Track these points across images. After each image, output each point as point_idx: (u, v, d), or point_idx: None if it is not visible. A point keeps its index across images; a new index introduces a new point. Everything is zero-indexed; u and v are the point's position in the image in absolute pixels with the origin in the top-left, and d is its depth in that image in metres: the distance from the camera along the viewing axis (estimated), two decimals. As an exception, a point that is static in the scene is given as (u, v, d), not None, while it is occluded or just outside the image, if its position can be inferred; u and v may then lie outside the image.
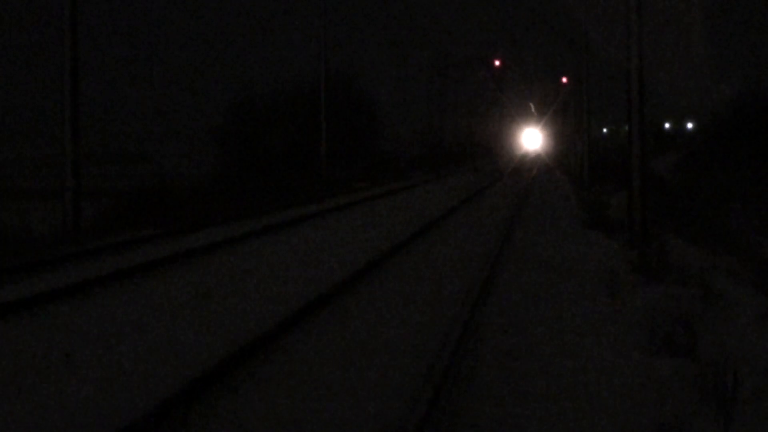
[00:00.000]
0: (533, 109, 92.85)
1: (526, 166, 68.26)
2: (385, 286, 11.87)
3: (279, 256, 14.83)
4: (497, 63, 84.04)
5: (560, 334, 8.86)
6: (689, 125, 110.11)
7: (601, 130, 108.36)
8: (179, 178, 36.75)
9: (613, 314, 9.82)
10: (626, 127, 16.14)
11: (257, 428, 6.08)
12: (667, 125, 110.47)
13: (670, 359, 7.68)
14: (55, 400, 6.63)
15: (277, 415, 6.32)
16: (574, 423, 6.20)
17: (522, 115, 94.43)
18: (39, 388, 6.98)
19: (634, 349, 8.17)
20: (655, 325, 8.85)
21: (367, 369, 7.53)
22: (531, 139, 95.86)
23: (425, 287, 11.74)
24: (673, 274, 11.92)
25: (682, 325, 8.72)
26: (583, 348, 8.28)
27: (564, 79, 66.42)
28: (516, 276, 12.68)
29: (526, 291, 11.36)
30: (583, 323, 9.39)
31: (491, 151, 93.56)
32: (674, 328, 8.65)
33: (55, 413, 6.34)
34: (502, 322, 9.43)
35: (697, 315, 9.41)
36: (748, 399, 6.51)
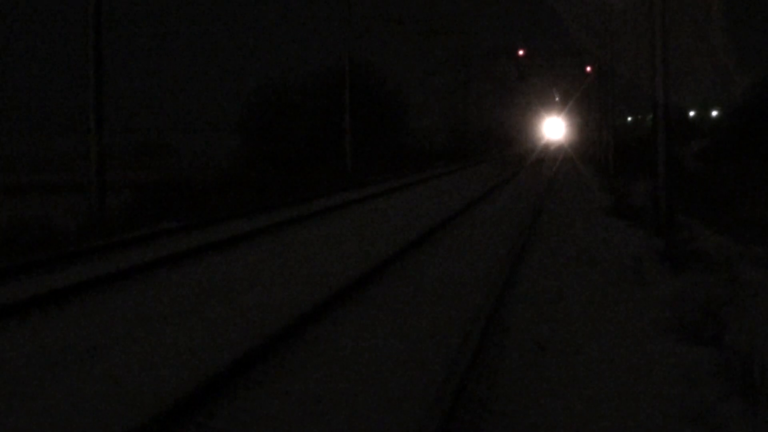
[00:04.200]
0: (557, 98, 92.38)
1: (550, 155, 67.98)
2: (402, 285, 11.89)
3: (304, 246, 14.86)
4: (521, 52, 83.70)
5: (586, 323, 8.83)
6: (714, 113, 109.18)
7: (626, 118, 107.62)
8: (202, 169, 36.89)
9: (640, 302, 9.78)
10: (651, 116, 15.99)
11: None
12: (692, 113, 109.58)
13: (697, 347, 7.63)
14: (87, 388, 6.69)
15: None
16: (602, 408, 6.19)
17: (545, 105, 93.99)
18: (72, 375, 7.04)
19: (662, 337, 8.13)
20: (683, 314, 8.80)
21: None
22: (554, 128, 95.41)
23: (446, 285, 11.75)
24: (699, 263, 11.84)
25: (709, 314, 8.67)
26: (609, 335, 8.26)
27: (588, 68, 65.95)
28: (542, 266, 12.64)
29: (552, 282, 11.31)
30: (610, 311, 9.35)
31: (515, 141, 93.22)
32: (701, 316, 8.60)
33: (87, 400, 6.40)
34: (531, 314, 9.42)
35: (724, 303, 9.34)
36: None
